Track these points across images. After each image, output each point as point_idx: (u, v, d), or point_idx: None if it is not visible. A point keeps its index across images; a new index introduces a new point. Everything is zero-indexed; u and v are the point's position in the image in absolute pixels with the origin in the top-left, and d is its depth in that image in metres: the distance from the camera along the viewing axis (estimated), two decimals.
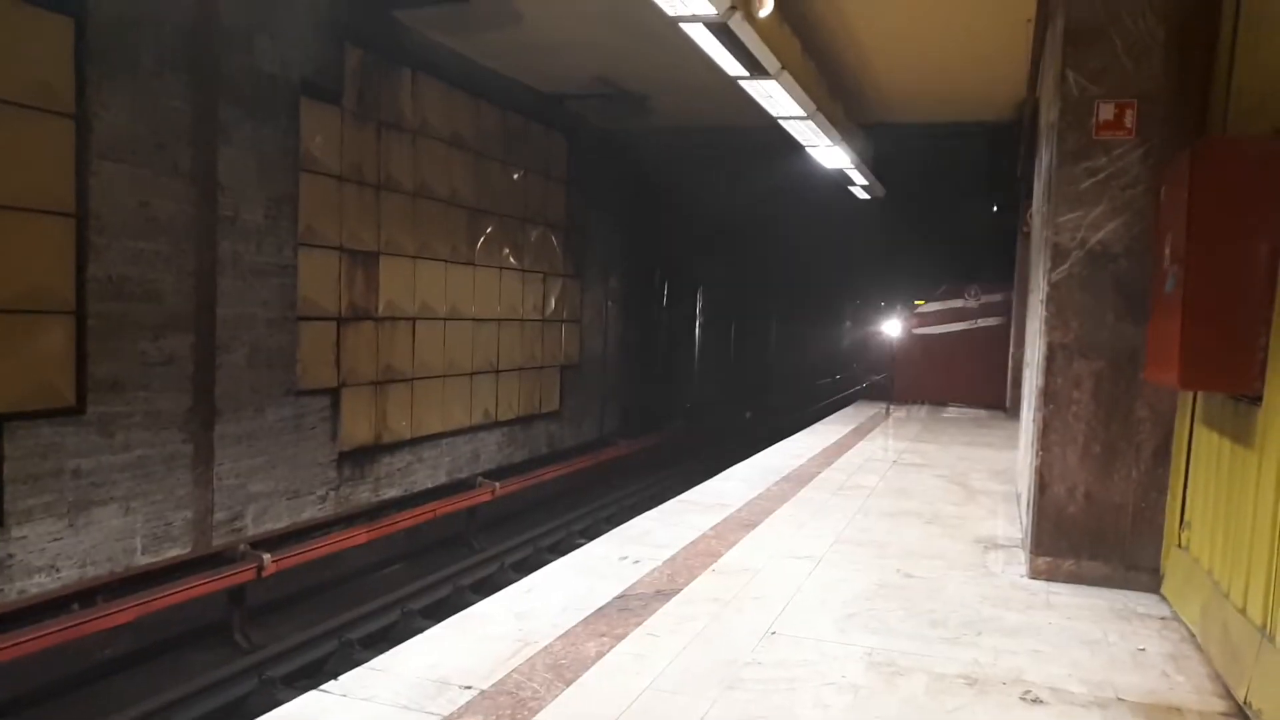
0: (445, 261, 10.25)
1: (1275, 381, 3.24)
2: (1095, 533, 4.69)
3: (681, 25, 6.62)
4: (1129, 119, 4.52)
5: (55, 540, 6.08)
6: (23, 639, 5.26)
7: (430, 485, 10.03)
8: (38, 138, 5.92)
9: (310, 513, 8.26)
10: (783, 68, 7.77)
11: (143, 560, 6.68)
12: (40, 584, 5.98)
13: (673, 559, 4.95)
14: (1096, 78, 4.55)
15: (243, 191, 7.39)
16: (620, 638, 3.76)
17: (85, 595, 6.00)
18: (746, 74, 7.81)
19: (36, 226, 5.94)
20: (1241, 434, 3.57)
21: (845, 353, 34.62)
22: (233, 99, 7.27)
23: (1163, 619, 4.23)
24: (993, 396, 13.53)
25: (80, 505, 6.22)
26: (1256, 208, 3.38)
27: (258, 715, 3.14)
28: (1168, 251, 3.82)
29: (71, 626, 5.56)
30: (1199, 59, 4.40)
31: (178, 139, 6.84)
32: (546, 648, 3.62)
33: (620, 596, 4.29)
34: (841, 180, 13.70)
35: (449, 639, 3.71)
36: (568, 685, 3.29)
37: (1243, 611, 3.38)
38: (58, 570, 6.11)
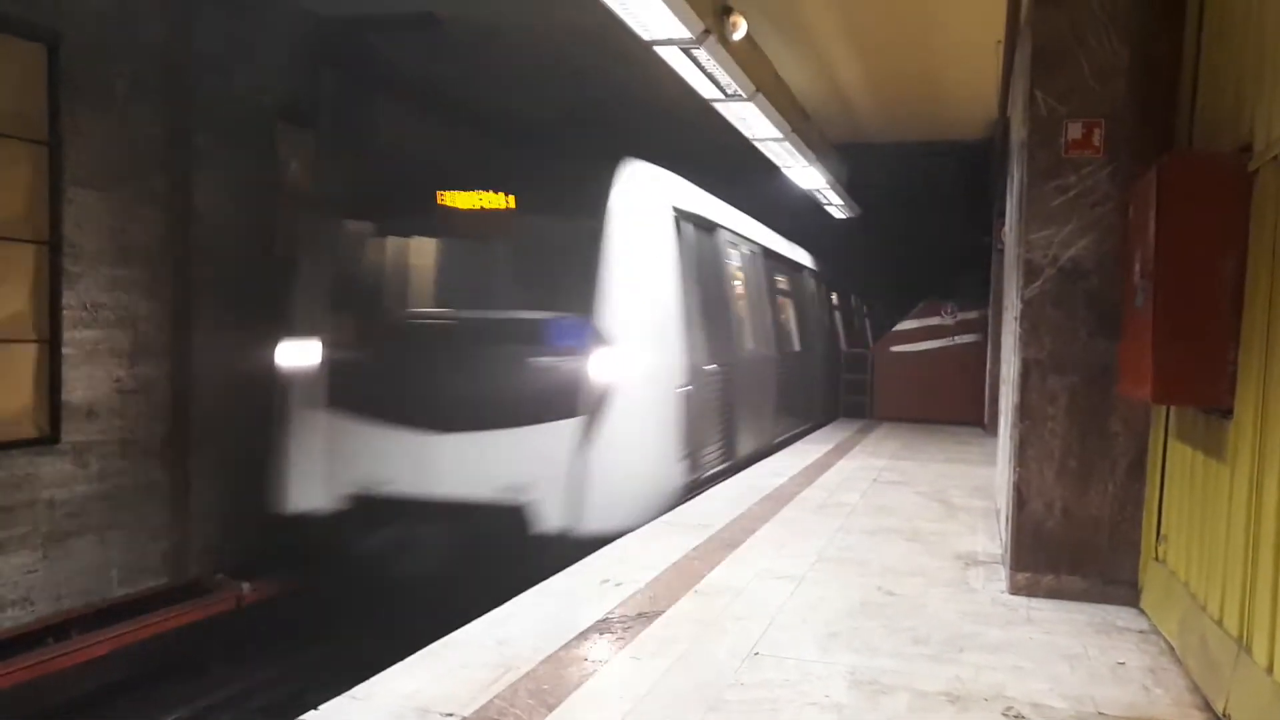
0: None
1: (1245, 395, 3.29)
2: (1073, 547, 4.72)
3: (656, 49, 6.67)
4: (1097, 138, 4.59)
5: (30, 573, 6.00)
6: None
7: None
8: (11, 165, 5.89)
9: None
10: (757, 90, 7.85)
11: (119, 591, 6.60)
12: (14, 618, 5.89)
13: (655, 581, 4.94)
14: (1064, 98, 4.63)
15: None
16: (603, 661, 3.74)
17: (60, 629, 5.91)
18: (722, 97, 7.88)
19: (10, 254, 5.90)
20: (1213, 448, 3.62)
21: None
22: (208, 125, 7.25)
23: (1142, 632, 4.26)
24: (971, 413, 13.61)
25: (55, 536, 6.14)
26: (1222, 223, 3.44)
27: None
28: (1137, 267, 3.87)
29: (47, 660, 5.47)
30: (1164, 78, 4.49)
31: (154, 165, 6.82)
32: (529, 673, 3.60)
33: (602, 620, 4.27)
34: (816, 200, 13.80)
35: (429, 666, 3.68)
36: (550, 711, 3.27)
37: (1220, 624, 3.41)
38: (32, 604, 6.02)
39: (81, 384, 6.28)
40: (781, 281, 12.03)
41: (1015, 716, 3.30)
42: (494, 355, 6.62)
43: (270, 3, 7.69)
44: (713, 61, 6.99)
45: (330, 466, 6.65)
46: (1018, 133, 5.79)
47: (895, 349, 14.87)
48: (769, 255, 11.20)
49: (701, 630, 4.15)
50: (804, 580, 5.01)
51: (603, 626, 4.18)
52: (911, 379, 14.63)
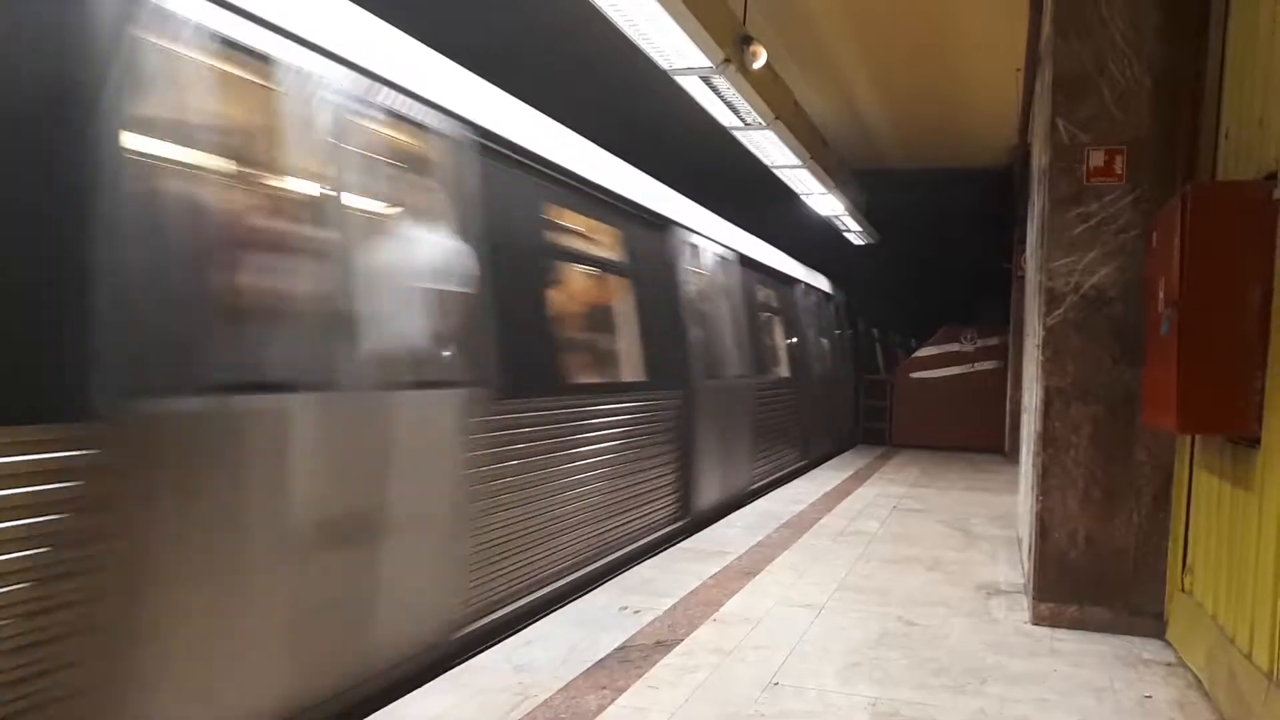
0: None
1: (1273, 424, 3.25)
2: (1098, 578, 4.66)
3: (676, 77, 6.73)
4: (1119, 165, 4.58)
5: None
6: None
7: None
8: None
9: None
10: (776, 117, 7.89)
11: None
12: None
13: (673, 609, 4.91)
14: (1086, 125, 4.62)
15: None
16: (621, 690, 3.72)
17: None
18: (741, 125, 7.93)
19: None
20: (1241, 477, 3.57)
21: None
22: None
23: (1168, 665, 4.19)
24: (991, 440, 13.52)
25: None
26: (1248, 251, 3.42)
27: None
28: (1161, 295, 3.85)
29: None
30: (1186, 105, 4.48)
31: None
32: (547, 701, 3.58)
33: (621, 648, 4.25)
34: (835, 227, 13.81)
35: (448, 692, 3.66)
36: None
37: (1249, 657, 3.35)
38: None
39: None
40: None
41: None
42: None
43: None
44: (732, 90, 7.04)
45: None
46: (1039, 160, 5.78)
47: (915, 375, 14.82)
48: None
49: (721, 659, 4.12)
50: (824, 609, 4.97)
51: (621, 655, 4.15)
52: (931, 405, 14.56)
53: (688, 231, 7.68)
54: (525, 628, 4.53)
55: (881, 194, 13.80)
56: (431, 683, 3.78)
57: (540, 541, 4.99)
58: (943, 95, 9.89)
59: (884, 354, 19.07)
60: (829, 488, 9.74)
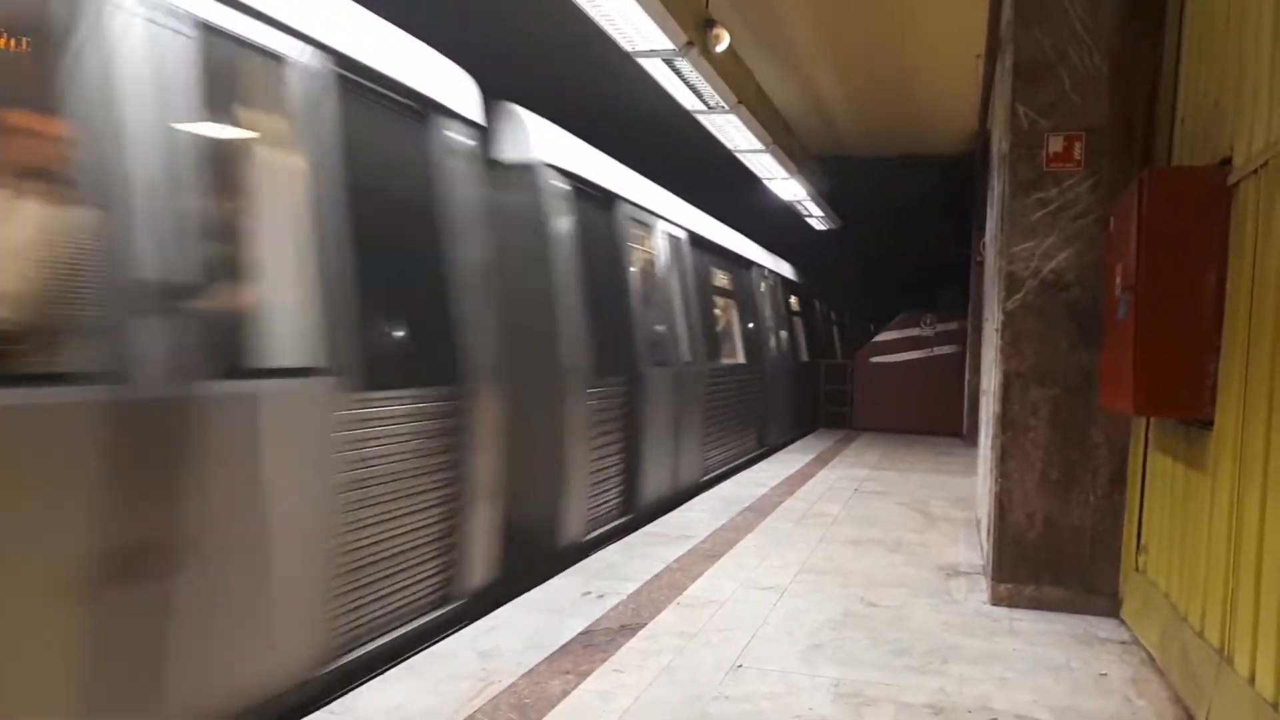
0: None
1: (1226, 406, 3.31)
2: (1055, 558, 4.73)
3: (639, 60, 6.68)
4: (1078, 151, 4.63)
5: None
6: None
7: None
8: None
9: None
10: (739, 102, 7.88)
11: None
12: None
13: (637, 593, 4.91)
14: (1045, 111, 4.66)
15: None
16: (585, 675, 3.71)
17: None
18: (704, 108, 7.91)
19: None
20: (1194, 459, 3.64)
21: None
22: None
23: (1123, 643, 4.27)
24: (950, 423, 13.68)
25: None
26: (1203, 236, 3.47)
27: None
28: (1119, 280, 3.90)
29: None
30: (1144, 92, 4.53)
31: None
32: (511, 686, 3.56)
33: (585, 632, 4.24)
34: (797, 212, 13.85)
35: (410, 679, 3.63)
36: None
37: (1201, 634, 3.42)
38: None
39: None
40: None
41: None
42: None
43: None
44: (695, 73, 7.01)
45: None
46: (999, 146, 5.83)
47: (875, 360, 14.95)
48: None
49: (685, 643, 4.13)
50: (787, 592, 5.00)
51: (585, 639, 4.14)
52: (891, 390, 14.71)
53: (631, 205, 7.13)
54: (488, 614, 4.50)
55: (843, 180, 13.85)
56: (392, 670, 3.75)
57: (438, 556, 4.32)
58: (903, 81, 9.92)
59: (842, 338, 19.24)
60: (791, 471, 9.79)
